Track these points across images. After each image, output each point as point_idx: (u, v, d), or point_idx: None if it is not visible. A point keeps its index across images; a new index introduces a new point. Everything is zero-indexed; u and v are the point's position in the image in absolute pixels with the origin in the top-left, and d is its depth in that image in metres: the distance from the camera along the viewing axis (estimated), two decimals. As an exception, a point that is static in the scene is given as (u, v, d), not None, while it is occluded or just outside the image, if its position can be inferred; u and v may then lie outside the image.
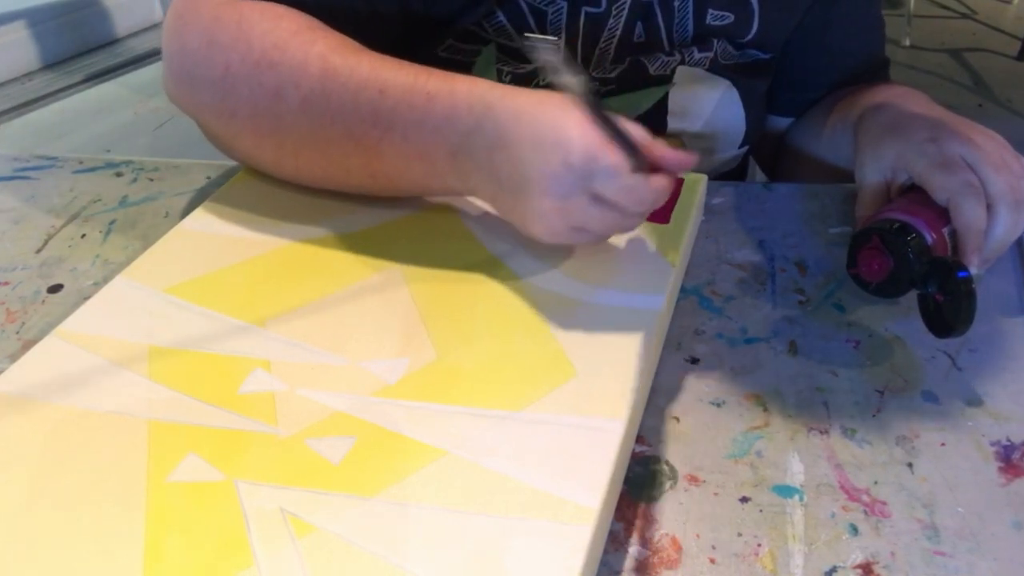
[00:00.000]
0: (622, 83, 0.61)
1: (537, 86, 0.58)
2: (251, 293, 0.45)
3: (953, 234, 0.47)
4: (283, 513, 0.33)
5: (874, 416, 0.42)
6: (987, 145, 0.48)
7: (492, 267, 0.47)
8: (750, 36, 0.62)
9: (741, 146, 0.66)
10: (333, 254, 0.48)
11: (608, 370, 0.40)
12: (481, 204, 0.51)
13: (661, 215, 0.51)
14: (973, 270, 0.45)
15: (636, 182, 0.42)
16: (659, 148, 0.43)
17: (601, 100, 0.43)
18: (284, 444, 0.36)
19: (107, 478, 0.35)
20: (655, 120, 0.62)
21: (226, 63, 0.48)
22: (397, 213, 0.51)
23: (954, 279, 0.43)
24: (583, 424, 0.37)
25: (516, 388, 0.39)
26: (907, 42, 2.36)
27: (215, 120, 0.51)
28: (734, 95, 0.63)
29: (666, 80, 0.61)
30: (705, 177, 0.55)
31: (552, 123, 0.42)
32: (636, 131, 0.42)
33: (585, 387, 0.39)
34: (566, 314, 0.44)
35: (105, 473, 0.35)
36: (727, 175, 0.71)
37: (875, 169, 0.52)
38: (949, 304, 0.44)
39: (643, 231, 0.50)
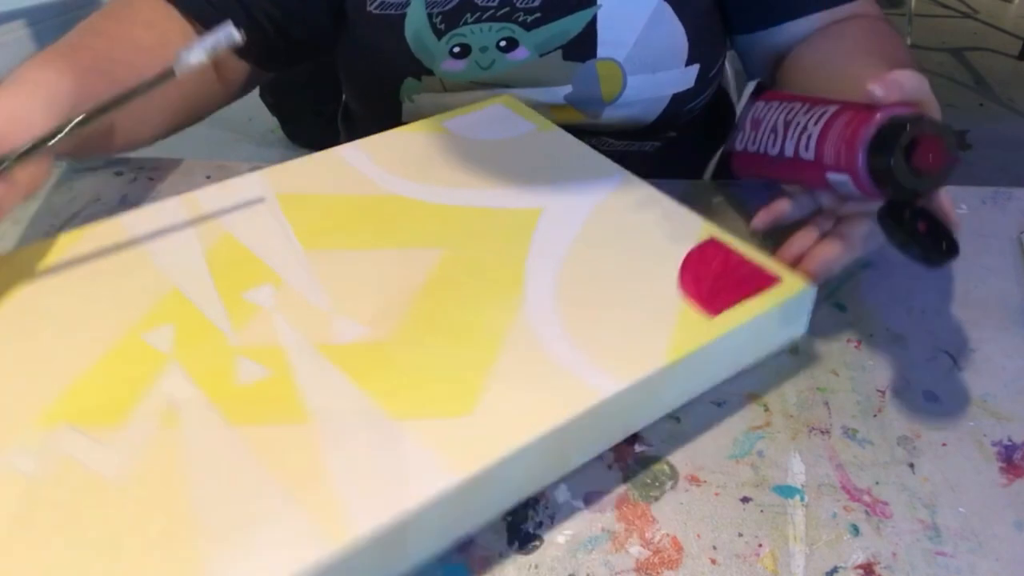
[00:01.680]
0: (547, 11, 0.61)
1: (466, 23, 0.60)
2: (327, 221, 0.49)
3: None
4: (170, 399, 0.37)
5: (875, 416, 0.42)
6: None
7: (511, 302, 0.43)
8: None
9: (689, 63, 0.64)
10: (406, 215, 0.49)
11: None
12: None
13: (708, 301, 0.42)
14: None
15: None
16: None
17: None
18: (225, 349, 0.40)
19: (98, 317, 0.42)
20: (586, 43, 0.61)
21: None
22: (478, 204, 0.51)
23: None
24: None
25: (410, 397, 0.37)
26: (908, 41, 2.36)
27: None
28: (666, 9, 0.61)
29: (590, 2, 0.61)
30: (811, 289, 0.44)
31: None
32: None
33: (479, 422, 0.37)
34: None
35: (98, 311, 0.42)
36: (709, 108, 0.69)
37: None
38: (933, 231, 0.41)
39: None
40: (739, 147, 0.54)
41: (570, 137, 0.56)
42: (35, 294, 0.43)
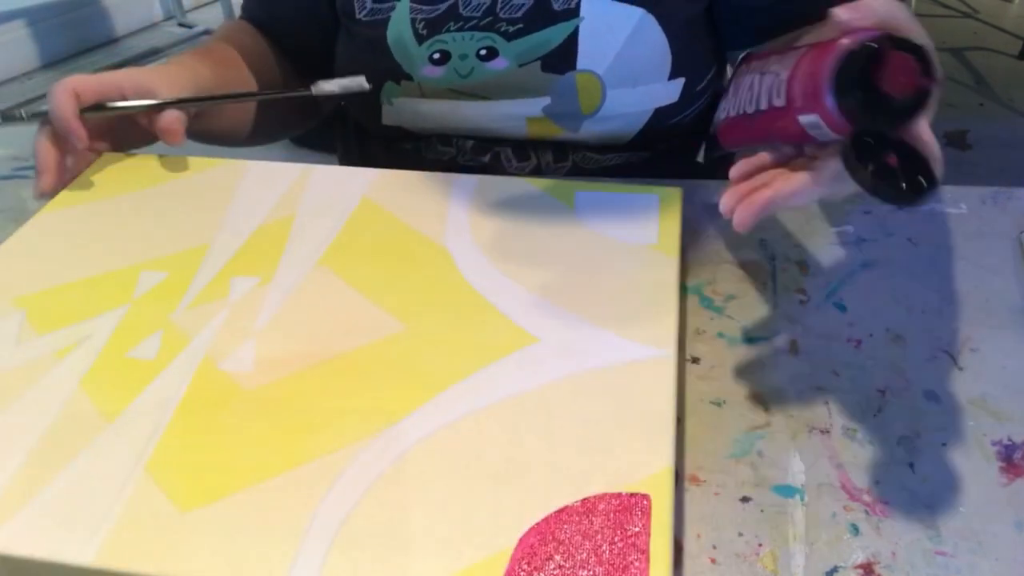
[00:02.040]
0: (528, 22, 0.60)
1: (448, 30, 0.61)
2: (364, 241, 0.51)
3: None
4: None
5: (875, 416, 0.42)
6: None
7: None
8: None
9: (672, 77, 0.63)
10: (423, 273, 0.48)
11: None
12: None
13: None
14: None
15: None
16: None
17: None
18: (158, 321, 0.45)
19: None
20: (566, 55, 0.61)
21: None
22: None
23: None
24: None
25: (178, 484, 0.37)
26: (908, 41, 2.36)
27: None
28: (650, 21, 0.61)
29: (573, 14, 0.61)
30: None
31: None
32: None
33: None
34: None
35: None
36: (697, 119, 0.68)
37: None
38: (908, 165, 0.37)
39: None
40: (722, 116, 0.53)
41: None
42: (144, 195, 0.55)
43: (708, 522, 0.37)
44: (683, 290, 0.51)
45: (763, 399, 0.43)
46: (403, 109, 0.65)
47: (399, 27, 0.62)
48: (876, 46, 0.37)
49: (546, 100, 0.63)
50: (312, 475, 0.36)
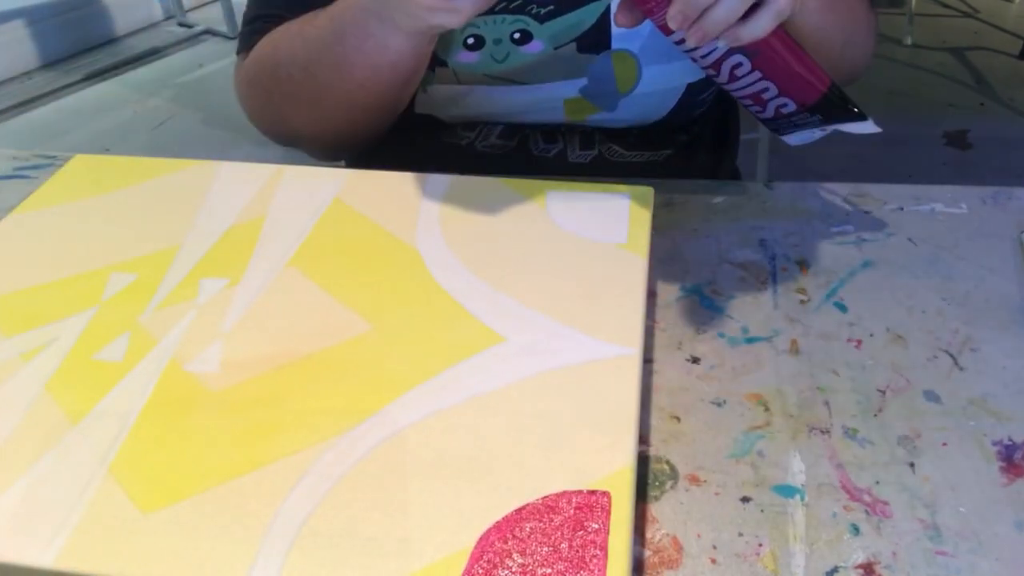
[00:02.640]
0: (560, 3, 0.60)
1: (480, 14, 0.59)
2: (336, 243, 0.50)
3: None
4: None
5: (876, 416, 0.42)
6: None
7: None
8: None
9: None
10: (390, 272, 0.48)
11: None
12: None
13: None
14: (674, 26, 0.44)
15: None
16: None
17: None
18: (125, 323, 0.45)
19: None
20: (600, 35, 0.61)
21: (261, 87, 0.62)
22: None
23: None
24: None
25: (139, 482, 0.36)
26: (909, 40, 2.36)
27: (288, 123, 0.63)
28: None
29: None
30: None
31: None
32: None
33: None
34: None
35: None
36: (717, 105, 0.69)
37: None
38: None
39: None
40: None
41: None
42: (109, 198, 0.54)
43: (708, 522, 0.37)
44: (682, 290, 0.51)
45: (763, 399, 0.43)
46: (437, 96, 0.65)
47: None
48: None
49: (583, 81, 0.63)
50: (275, 476, 0.36)
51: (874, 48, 0.68)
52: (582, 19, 0.61)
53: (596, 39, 0.61)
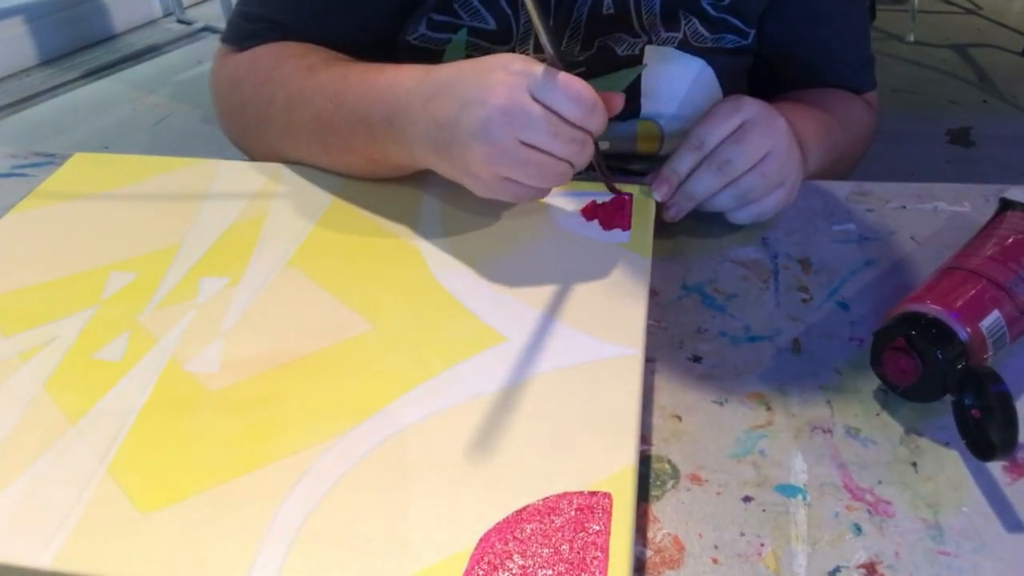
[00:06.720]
0: (592, 67, 0.60)
1: None
2: (337, 241, 0.50)
3: (992, 328, 0.42)
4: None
5: (878, 415, 0.42)
6: (752, 137, 0.50)
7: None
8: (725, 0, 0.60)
9: None
10: (393, 271, 0.48)
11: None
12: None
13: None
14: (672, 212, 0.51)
15: (561, 128, 0.43)
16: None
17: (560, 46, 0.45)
18: (125, 323, 0.44)
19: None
20: (629, 103, 0.61)
21: (241, 91, 0.59)
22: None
23: (988, 393, 0.38)
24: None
25: (138, 486, 0.36)
26: (911, 38, 2.35)
27: (246, 137, 0.60)
28: (709, 74, 0.62)
29: (636, 61, 0.60)
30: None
31: (488, 68, 0.44)
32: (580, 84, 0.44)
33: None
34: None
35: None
36: None
37: None
38: (988, 420, 0.38)
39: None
40: None
41: None
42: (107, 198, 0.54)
43: (710, 522, 0.37)
44: (684, 289, 0.50)
45: (765, 398, 0.43)
46: None
47: (455, 59, 0.60)
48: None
49: (604, 145, 0.63)
50: (275, 476, 0.36)
51: (876, 122, 0.70)
52: (613, 85, 0.61)
53: (625, 106, 0.61)
